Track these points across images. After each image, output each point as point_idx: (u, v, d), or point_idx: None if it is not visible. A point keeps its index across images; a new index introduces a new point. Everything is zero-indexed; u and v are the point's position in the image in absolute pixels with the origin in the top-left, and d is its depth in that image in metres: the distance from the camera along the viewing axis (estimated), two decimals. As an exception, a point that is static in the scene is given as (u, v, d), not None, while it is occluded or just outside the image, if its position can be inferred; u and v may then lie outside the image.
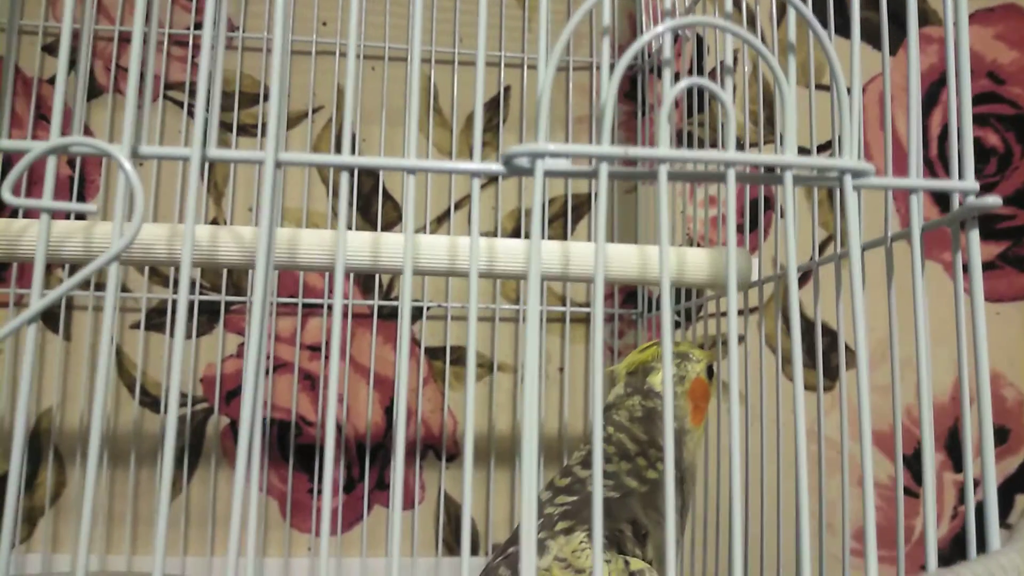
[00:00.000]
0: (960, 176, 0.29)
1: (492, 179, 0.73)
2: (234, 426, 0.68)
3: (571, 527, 0.42)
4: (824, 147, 0.69)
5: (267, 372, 0.69)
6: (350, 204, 0.71)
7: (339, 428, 0.69)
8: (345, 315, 0.69)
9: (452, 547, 0.69)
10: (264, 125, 0.70)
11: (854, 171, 0.27)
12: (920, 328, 0.29)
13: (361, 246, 0.46)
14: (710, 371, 0.46)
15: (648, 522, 0.43)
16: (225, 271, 0.68)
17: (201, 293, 0.68)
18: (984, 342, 0.29)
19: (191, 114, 0.70)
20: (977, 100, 0.67)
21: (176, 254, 0.44)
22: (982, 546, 0.30)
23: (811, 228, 0.68)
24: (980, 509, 0.29)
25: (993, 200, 0.28)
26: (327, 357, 0.69)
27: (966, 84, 0.29)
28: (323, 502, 0.25)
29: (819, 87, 0.70)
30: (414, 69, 0.27)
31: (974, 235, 0.28)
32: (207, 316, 0.68)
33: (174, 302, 0.67)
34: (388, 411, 0.69)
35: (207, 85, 0.26)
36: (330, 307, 0.69)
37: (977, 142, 0.67)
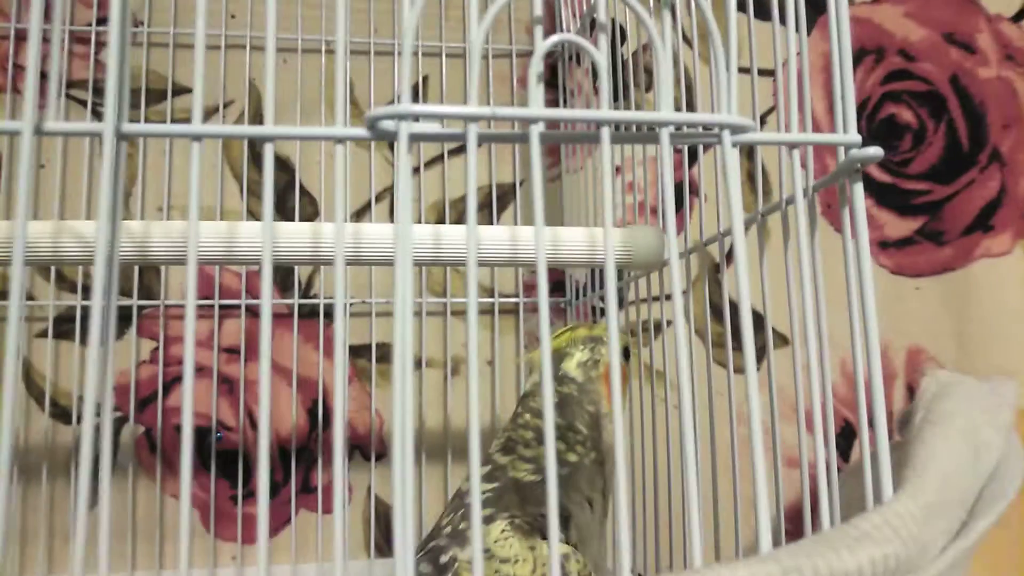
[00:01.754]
0: (844, 130, 0.28)
1: (415, 170, 0.71)
2: (149, 434, 0.65)
3: (492, 515, 0.41)
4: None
5: (181, 378, 0.66)
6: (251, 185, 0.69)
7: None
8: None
9: (383, 548, 0.67)
10: (185, 121, 0.68)
11: (733, 127, 0.27)
12: (807, 297, 0.29)
13: (252, 235, 0.44)
14: (627, 353, 0.45)
15: (570, 504, 0.42)
16: (136, 273, 0.65)
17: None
18: (872, 308, 0.28)
19: (96, 113, 0.67)
20: (890, 78, 0.67)
21: (63, 252, 0.42)
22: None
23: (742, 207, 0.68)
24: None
25: (874, 151, 0.27)
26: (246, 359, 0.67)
27: (846, 35, 0.29)
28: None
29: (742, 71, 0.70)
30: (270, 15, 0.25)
31: (858, 188, 0.28)
32: (119, 321, 0.66)
33: (83, 308, 0.65)
34: (311, 412, 0.67)
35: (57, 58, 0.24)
36: (247, 308, 0.67)
37: (891, 119, 0.67)
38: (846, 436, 0.65)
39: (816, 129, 0.68)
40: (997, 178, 0.66)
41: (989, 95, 0.66)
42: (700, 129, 0.27)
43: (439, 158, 0.71)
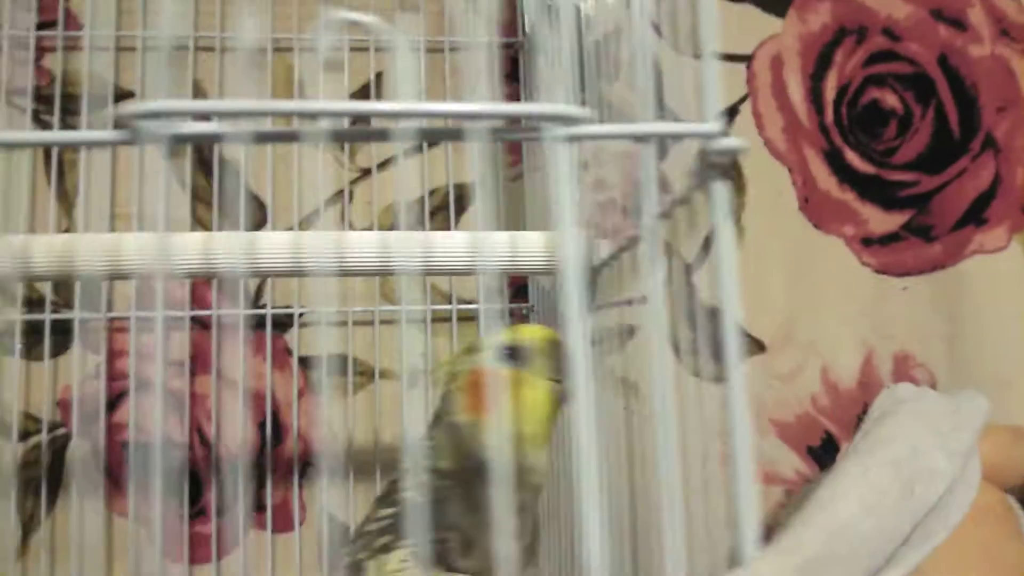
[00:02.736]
0: (701, 118, 0.24)
1: (366, 171, 0.68)
2: (94, 451, 0.63)
3: (390, 543, 0.38)
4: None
5: (128, 392, 0.64)
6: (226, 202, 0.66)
7: (209, 448, 0.64)
8: (209, 326, 0.64)
9: (338, 569, 0.64)
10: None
11: (562, 118, 0.23)
12: (656, 319, 0.25)
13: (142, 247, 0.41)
14: (512, 354, 0.40)
15: (470, 527, 0.38)
16: (78, 286, 0.63)
17: (53, 311, 0.63)
18: (734, 321, 0.24)
19: (38, 120, 0.65)
20: (873, 59, 0.62)
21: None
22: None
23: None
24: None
25: (733, 141, 0.23)
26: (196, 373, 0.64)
27: (711, 6, 0.24)
28: None
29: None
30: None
31: (719, 188, 0.24)
32: (61, 335, 0.64)
33: (24, 322, 0.63)
34: (262, 427, 0.64)
35: None
36: (193, 319, 0.64)
37: (875, 104, 0.62)
38: (826, 448, 0.60)
39: (792, 117, 0.63)
40: (991, 167, 0.60)
41: (982, 75, 0.60)
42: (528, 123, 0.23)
43: (393, 159, 0.68)
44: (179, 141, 0.22)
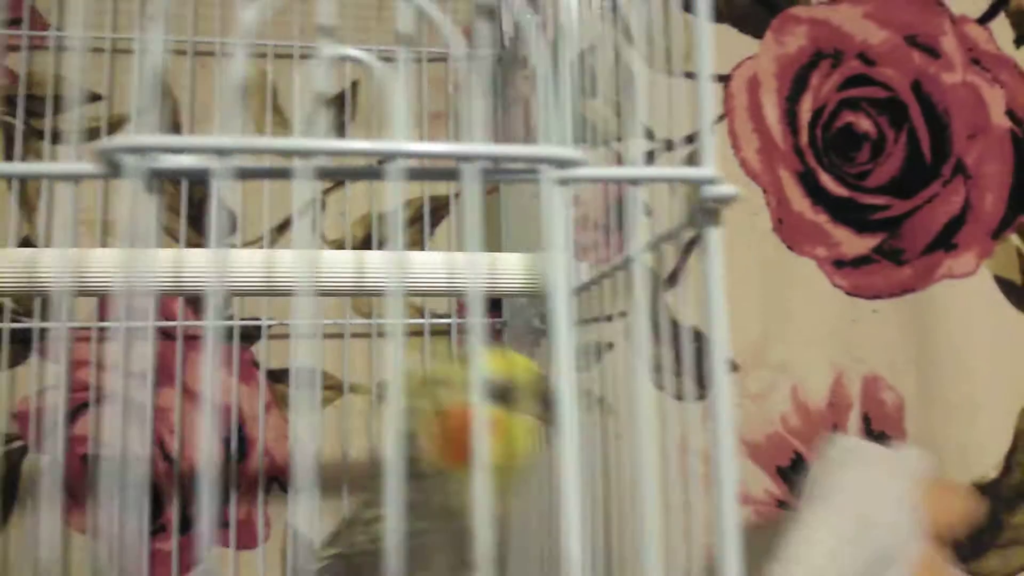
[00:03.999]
0: (696, 162, 0.23)
1: (339, 183, 0.67)
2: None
3: None
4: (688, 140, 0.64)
5: (90, 404, 0.62)
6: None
7: (171, 462, 0.62)
8: (174, 337, 0.63)
9: (304, 587, 0.63)
10: (94, 130, 0.64)
11: (559, 161, 0.22)
12: (640, 356, 0.24)
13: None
14: (501, 394, 0.36)
15: None
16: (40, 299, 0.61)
17: (13, 320, 0.61)
18: (722, 364, 0.23)
19: (-1, 121, 0.63)
20: (848, 83, 0.63)
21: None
22: None
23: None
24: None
25: (728, 189, 0.22)
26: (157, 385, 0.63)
27: (707, 53, 0.24)
28: None
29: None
30: None
31: (712, 233, 0.23)
32: (20, 345, 0.62)
33: (-19, 330, 0.61)
34: (227, 441, 0.63)
35: None
36: (157, 329, 0.63)
37: (848, 128, 0.62)
38: (796, 468, 0.60)
39: (767, 139, 0.63)
40: (961, 193, 0.61)
41: (953, 102, 0.61)
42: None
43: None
44: (163, 177, 0.21)
